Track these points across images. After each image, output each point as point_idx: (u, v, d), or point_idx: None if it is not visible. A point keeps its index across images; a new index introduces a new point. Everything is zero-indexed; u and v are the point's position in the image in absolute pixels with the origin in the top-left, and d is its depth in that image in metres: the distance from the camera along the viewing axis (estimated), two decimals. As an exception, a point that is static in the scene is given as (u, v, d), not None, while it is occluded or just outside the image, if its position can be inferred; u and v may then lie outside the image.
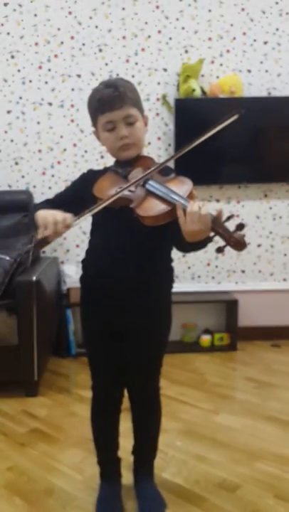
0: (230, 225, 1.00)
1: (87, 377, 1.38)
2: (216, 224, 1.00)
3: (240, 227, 0.98)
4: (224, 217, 1.02)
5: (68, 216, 1.08)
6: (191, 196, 1.08)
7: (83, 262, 1.33)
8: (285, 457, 1.66)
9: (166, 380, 2.26)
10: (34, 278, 2.07)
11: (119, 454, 1.45)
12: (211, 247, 1.06)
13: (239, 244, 0.98)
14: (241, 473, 1.57)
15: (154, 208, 1.09)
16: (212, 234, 1.02)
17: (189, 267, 2.82)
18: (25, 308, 2.05)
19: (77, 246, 2.75)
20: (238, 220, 1.02)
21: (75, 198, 1.27)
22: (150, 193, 1.12)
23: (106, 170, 1.28)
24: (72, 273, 2.63)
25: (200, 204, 1.02)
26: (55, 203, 1.29)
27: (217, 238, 1.03)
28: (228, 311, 2.78)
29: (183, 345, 2.75)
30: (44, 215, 1.09)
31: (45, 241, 1.07)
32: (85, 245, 1.34)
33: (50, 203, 1.29)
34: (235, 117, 1.08)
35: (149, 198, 1.11)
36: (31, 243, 1.08)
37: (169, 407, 1.97)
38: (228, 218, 1.01)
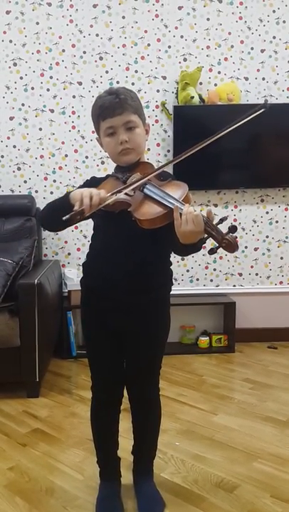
0: (223, 227, 1.02)
1: (88, 379, 1.40)
2: (209, 226, 1.02)
3: (233, 229, 1.00)
4: (217, 220, 1.04)
5: (103, 191, 1.13)
6: (186, 199, 1.12)
7: (84, 265, 1.37)
8: (282, 457, 1.68)
9: (165, 381, 2.28)
10: (36, 281, 2.10)
11: (118, 454, 1.47)
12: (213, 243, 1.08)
13: (231, 246, 1.00)
14: (239, 473, 1.59)
15: (150, 211, 1.12)
16: (205, 235, 1.04)
17: (188, 270, 2.86)
18: (27, 310, 2.08)
19: (78, 249, 2.78)
20: (232, 223, 1.04)
21: None
22: (147, 197, 1.16)
23: (108, 176, 1.31)
24: (73, 276, 2.66)
25: (194, 207, 1.05)
26: None
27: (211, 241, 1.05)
28: (226, 313, 2.81)
29: (181, 346, 2.78)
30: (80, 191, 1.13)
31: (82, 214, 1.10)
32: (86, 249, 1.38)
33: None
34: (262, 111, 1.10)
35: (146, 202, 1.15)
36: (66, 217, 1.09)
37: (167, 408, 1.99)
38: (221, 220, 1.04)
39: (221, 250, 1.03)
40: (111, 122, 1.22)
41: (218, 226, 1.03)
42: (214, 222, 1.04)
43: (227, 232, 1.00)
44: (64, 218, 1.09)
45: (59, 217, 1.11)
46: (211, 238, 1.03)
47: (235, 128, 1.13)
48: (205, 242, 1.07)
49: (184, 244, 1.09)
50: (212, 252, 1.02)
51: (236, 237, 1.00)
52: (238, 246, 1.00)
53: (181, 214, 1.05)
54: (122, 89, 1.25)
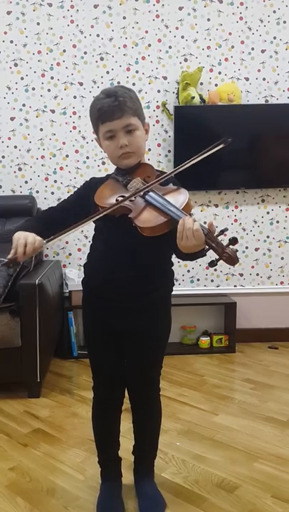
0: (224, 239, 1.03)
1: (89, 379, 1.41)
2: (210, 238, 1.02)
3: (233, 241, 1.00)
4: (218, 231, 1.04)
5: (38, 239, 1.14)
6: (187, 208, 1.11)
7: (85, 265, 1.37)
8: (283, 457, 1.68)
9: (166, 381, 2.29)
10: (37, 281, 2.10)
11: (120, 454, 1.47)
12: (210, 252, 1.09)
13: (231, 259, 1.00)
14: (240, 473, 1.59)
15: (151, 219, 1.12)
16: (206, 247, 1.04)
17: (189, 271, 2.86)
18: (28, 310, 2.08)
19: (79, 250, 2.79)
20: (233, 232, 1.04)
21: (78, 205, 1.30)
22: (148, 204, 1.15)
23: (108, 177, 1.31)
24: (74, 276, 2.67)
25: (194, 218, 1.05)
26: (58, 210, 1.34)
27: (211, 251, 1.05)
28: (227, 314, 2.81)
29: (182, 347, 2.78)
30: (17, 237, 1.15)
31: (15, 261, 1.13)
32: (87, 249, 1.38)
33: (52, 211, 1.35)
34: (221, 146, 1.12)
35: (147, 209, 1.14)
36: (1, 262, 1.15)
37: (168, 408, 2.00)
38: (222, 232, 1.04)
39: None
40: (110, 126, 1.21)
41: (219, 238, 1.03)
42: (215, 234, 1.04)
43: (228, 244, 1.00)
44: None
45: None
46: (211, 250, 1.03)
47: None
48: (206, 254, 1.07)
49: (185, 253, 1.09)
50: (212, 264, 1.02)
51: (237, 250, 1.00)
52: (238, 259, 1.00)
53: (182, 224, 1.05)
54: (120, 90, 1.22)
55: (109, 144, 1.23)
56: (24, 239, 1.14)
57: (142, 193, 1.17)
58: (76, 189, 1.40)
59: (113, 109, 1.19)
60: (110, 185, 1.26)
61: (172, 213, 1.10)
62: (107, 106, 1.19)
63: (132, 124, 1.22)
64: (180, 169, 1.15)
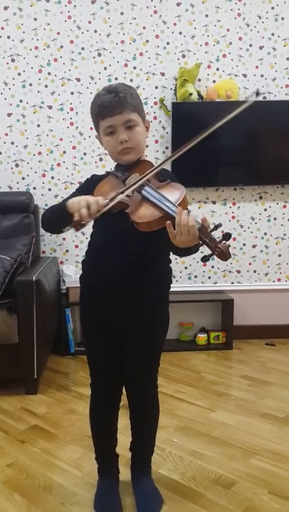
0: (218, 235, 1.03)
1: (86, 375, 1.40)
2: (203, 233, 1.03)
3: (227, 236, 1.00)
4: (212, 226, 1.04)
5: (100, 198, 1.14)
6: (183, 203, 1.11)
7: (83, 262, 1.37)
8: (280, 454, 1.69)
9: (163, 377, 2.29)
10: (34, 278, 2.09)
11: (117, 451, 1.47)
12: (207, 249, 1.09)
13: (223, 254, 1.00)
14: (237, 469, 1.60)
15: (147, 214, 1.12)
16: (199, 242, 1.04)
17: (186, 267, 2.86)
18: (25, 307, 2.08)
19: (76, 246, 2.78)
20: (230, 229, 1.04)
21: None
22: (145, 199, 1.15)
23: (108, 174, 1.31)
24: (71, 273, 2.66)
25: (188, 213, 1.05)
26: None
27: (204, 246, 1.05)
28: (224, 310, 2.82)
29: (180, 343, 2.78)
30: (77, 200, 1.14)
31: (81, 223, 1.12)
32: (84, 246, 1.38)
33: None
34: (249, 103, 1.10)
35: (143, 204, 1.15)
36: (68, 226, 1.14)
37: (165, 405, 2.00)
38: (216, 227, 1.04)
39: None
40: (110, 121, 1.21)
41: (213, 233, 1.03)
42: (209, 229, 1.04)
43: (221, 239, 1.01)
44: (64, 230, 1.13)
45: (58, 225, 1.15)
46: (204, 245, 1.04)
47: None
48: (198, 249, 1.08)
49: (179, 248, 1.09)
50: (205, 259, 1.02)
51: (229, 246, 1.01)
52: (230, 255, 1.01)
53: (175, 222, 1.05)
54: (121, 87, 1.23)
55: (110, 139, 1.23)
56: (85, 200, 1.13)
57: (138, 188, 1.16)
58: (78, 186, 1.40)
59: (113, 105, 1.19)
60: (109, 181, 1.26)
61: (168, 208, 1.10)
62: (108, 102, 1.20)
63: (132, 119, 1.22)
64: (191, 145, 1.12)
